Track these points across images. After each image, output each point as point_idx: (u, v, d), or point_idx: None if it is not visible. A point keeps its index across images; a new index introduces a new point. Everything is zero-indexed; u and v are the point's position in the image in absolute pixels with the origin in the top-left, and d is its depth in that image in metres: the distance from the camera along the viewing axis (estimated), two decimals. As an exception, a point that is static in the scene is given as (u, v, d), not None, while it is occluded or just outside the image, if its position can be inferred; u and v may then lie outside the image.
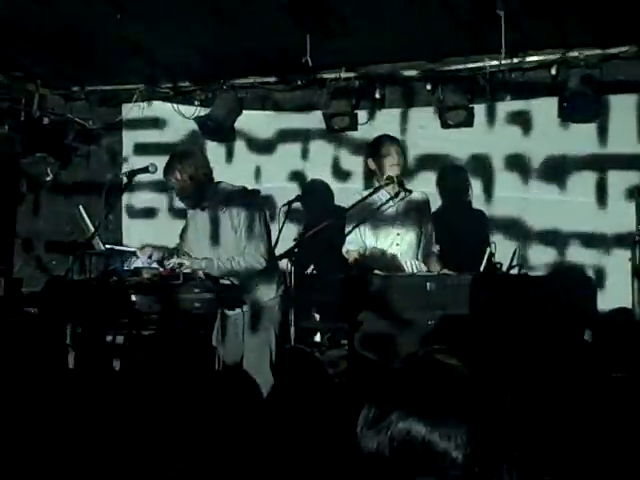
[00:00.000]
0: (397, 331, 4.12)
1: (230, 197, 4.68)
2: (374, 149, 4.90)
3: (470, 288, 4.17)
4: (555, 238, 5.89)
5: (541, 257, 5.89)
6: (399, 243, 4.81)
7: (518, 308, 4.07)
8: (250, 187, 5.03)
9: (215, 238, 4.69)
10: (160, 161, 4.76)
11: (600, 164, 5.83)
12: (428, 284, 4.27)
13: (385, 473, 1.35)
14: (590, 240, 5.81)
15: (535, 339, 4.04)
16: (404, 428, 1.35)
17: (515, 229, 5.98)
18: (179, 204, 5.14)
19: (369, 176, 4.95)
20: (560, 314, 4.72)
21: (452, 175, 6.19)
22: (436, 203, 5.66)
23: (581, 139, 5.86)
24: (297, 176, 6.58)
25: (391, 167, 4.75)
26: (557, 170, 5.94)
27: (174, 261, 4.52)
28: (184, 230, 4.96)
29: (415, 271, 4.65)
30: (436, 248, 4.91)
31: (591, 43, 5.58)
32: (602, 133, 5.81)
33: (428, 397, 1.38)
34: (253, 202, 4.77)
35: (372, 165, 4.87)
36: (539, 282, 4.41)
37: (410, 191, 4.94)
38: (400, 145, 4.94)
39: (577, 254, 5.85)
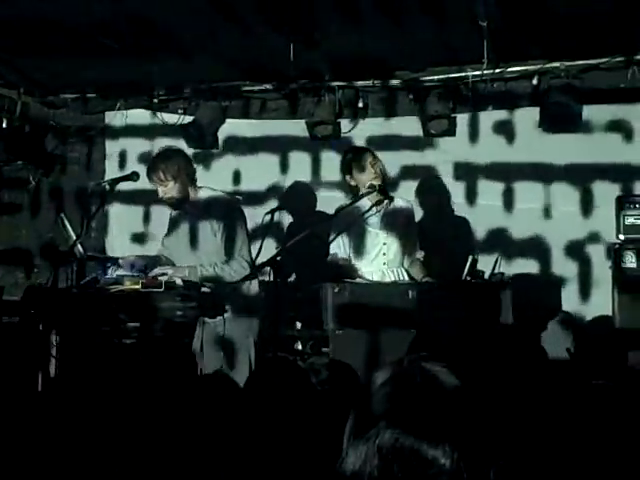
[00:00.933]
0: (380, 339, 4.13)
1: (211, 202, 4.68)
2: (349, 166, 4.89)
3: (452, 295, 4.18)
4: (538, 247, 5.92)
5: (524, 266, 5.91)
6: (386, 252, 4.82)
7: (499, 315, 4.09)
8: (231, 192, 5.04)
9: (195, 243, 4.69)
10: (142, 169, 4.77)
11: (582, 173, 5.88)
12: (410, 292, 4.29)
13: None
14: (572, 249, 5.86)
15: (518, 346, 4.06)
16: (392, 436, 1.35)
17: (497, 238, 6.01)
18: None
19: (351, 191, 4.94)
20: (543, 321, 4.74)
21: (433, 184, 6.21)
22: (419, 211, 5.67)
23: (563, 149, 5.90)
24: (278, 184, 6.57)
25: (366, 175, 4.75)
26: (540, 179, 5.98)
27: (157, 270, 4.52)
28: (166, 235, 4.96)
29: (401, 279, 4.69)
30: (420, 255, 4.93)
31: (572, 54, 5.63)
32: (583, 143, 5.86)
33: (415, 404, 1.38)
34: (234, 208, 4.77)
35: (351, 182, 4.87)
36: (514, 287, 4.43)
37: (393, 198, 4.95)
38: (373, 154, 4.92)
39: (559, 263, 5.89)
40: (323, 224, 4.91)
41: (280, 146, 6.58)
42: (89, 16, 4.97)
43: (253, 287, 4.71)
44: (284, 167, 6.58)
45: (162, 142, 6.67)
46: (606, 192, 5.70)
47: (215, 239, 4.62)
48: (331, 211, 4.89)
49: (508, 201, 6.05)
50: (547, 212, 5.95)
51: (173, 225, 4.88)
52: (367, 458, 1.36)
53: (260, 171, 6.62)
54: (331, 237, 4.82)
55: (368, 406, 1.41)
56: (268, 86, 6.39)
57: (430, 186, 6.20)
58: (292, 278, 5.96)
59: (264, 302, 4.71)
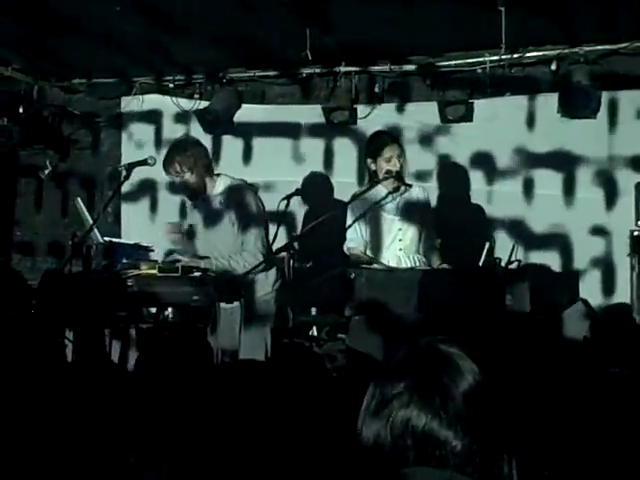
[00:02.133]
0: (397, 325, 4.12)
1: (228, 192, 4.67)
2: (371, 148, 4.86)
3: (467, 282, 4.17)
4: (557, 235, 5.87)
5: (542, 254, 5.88)
6: (402, 238, 4.80)
7: (516, 302, 4.08)
8: (249, 180, 5.02)
9: (213, 232, 4.69)
10: (158, 154, 4.76)
11: (604, 161, 5.82)
12: (426, 278, 4.28)
13: (385, 461, 1.35)
14: (593, 236, 5.81)
15: (534, 334, 4.04)
16: (405, 416, 1.35)
17: (516, 225, 5.97)
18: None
19: (369, 174, 4.92)
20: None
21: (451, 170, 6.18)
22: (436, 197, 5.64)
23: (583, 135, 5.85)
24: (296, 170, 6.56)
25: (389, 164, 4.72)
26: (558, 166, 5.93)
27: (171, 258, 4.52)
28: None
29: (417, 265, 4.68)
30: (437, 242, 4.92)
31: (591, 39, 5.57)
32: (605, 129, 5.80)
33: (429, 385, 1.38)
34: (251, 196, 4.76)
35: (371, 164, 4.83)
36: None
37: (410, 185, 4.92)
38: (398, 141, 4.90)
39: (579, 251, 5.85)
40: (339, 210, 4.89)
41: (295, 132, 6.56)
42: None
43: (270, 275, 4.70)
44: (298, 153, 6.56)
45: (178, 127, 6.73)
46: (629, 179, 5.64)
47: (233, 229, 4.61)
48: (347, 197, 4.87)
49: (527, 188, 6.01)
50: (567, 199, 5.90)
51: (190, 213, 4.88)
52: (380, 436, 1.36)
53: (275, 157, 6.61)
54: (348, 223, 4.80)
55: (383, 385, 1.41)
56: (284, 72, 6.37)
57: (448, 172, 6.17)
58: (308, 264, 5.96)
59: (279, 290, 4.71)
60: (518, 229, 5.93)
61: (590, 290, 5.68)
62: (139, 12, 5.15)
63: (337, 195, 6.15)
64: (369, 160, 4.84)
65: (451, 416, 1.34)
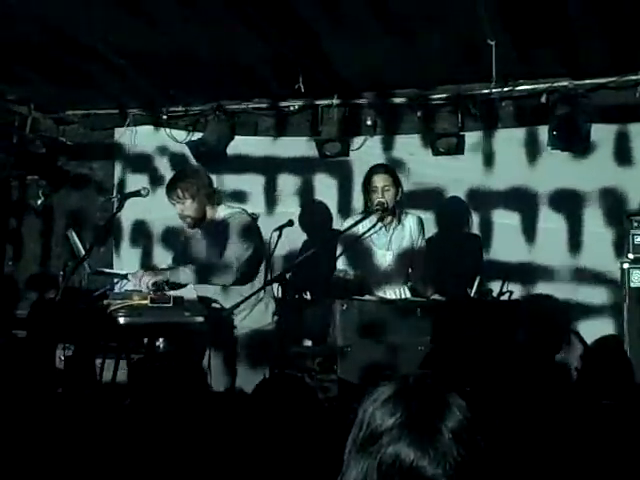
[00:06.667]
0: (388, 356, 4.12)
1: (227, 221, 4.68)
2: (364, 179, 4.91)
3: (460, 313, 4.18)
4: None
5: (539, 287, 5.89)
6: (391, 273, 4.81)
7: (505, 333, 4.08)
8: (249, 210, 5.03)
9: (210, 259, 4.69)
10: (151, 185, 4.78)
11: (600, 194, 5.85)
12: (418, 309, 4.28)
13: None
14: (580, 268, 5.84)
15: (524, 365, 4.04)
16: (394, 452, 1.35)
17: (509, 257, 5.97)
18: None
19: (364, 206, 4.93)
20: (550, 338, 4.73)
21: (449, 202, 6.20)
22: (430, 227, 5.64)
23: (573, 167, 5.90)
24: (288, 200, 6.58)
25: (378, 195, 4.74)
26: (555, 200, 5.97)
27: (135, 281, 4.48)
28: (179, 253, 4.96)
29: (408, 296, 4.68)
30: (428, 272, 4.91)
31: (580, 73, 5.64)
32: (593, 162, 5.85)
33: (419, 422, 1.37)
34: (249, 226, 4.76)
35: (365, 196, 4.87)
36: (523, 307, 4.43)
37: (403, 215, 4.92)
38: (390, 173, 4.90)
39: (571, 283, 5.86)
40: (331, 242, 4.90)
41: (290, 163, 6.59)
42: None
43: (270, 306, 4.69)
44: (296, 183, 6.58)
45: (171, 158, 6.75)
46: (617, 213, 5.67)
47: (229, 254, 4.61)
48: (341, 227, 4.89)
49: (524, 220, 6.03)
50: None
51: (187, 243, 4.89)
52: (367, 473, 1.35)
53: (270, 189, 6.62)
54: (338, 255, 4.81)
55: (371, 421, 1.40)
56: (277, 103, 6.41)
57: (447, 205, 6.19)
58: (301, 295, 5.95)
59: (276, 320, 4.70)
60: (510, 261, 5.94)
61: (582, 321, 5.69)
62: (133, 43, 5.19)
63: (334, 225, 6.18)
64: (363, 191, 4.88)
65: (439, 453, 1.33)
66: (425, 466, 1.33)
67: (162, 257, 6.23)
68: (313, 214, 6.38)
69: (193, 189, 4.63)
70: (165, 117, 6.73)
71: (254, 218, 4.86)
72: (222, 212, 4.74)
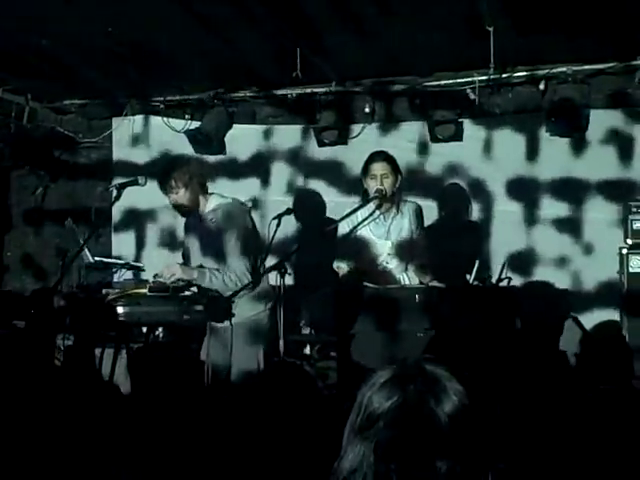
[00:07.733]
0: (388, 343, 4.12)
1: (220, 210, 4.67)
2: (362, 166, 4.88)
3: (458, 300, 4.18)
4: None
5: (536, 272, 5.91)
6: (389, 262, 4.80)
7: (504, 319, 4.09)
8: (243, 199, 5.02)
9: (205, 249, 4.68)
10: (148, 174, 4.76)
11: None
12: (417, 296, 4.28)
13: None
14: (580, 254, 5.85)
15: (523, 350, 4.04)
16: (389, 436, 1.35)
17: (509, 244, 5.98)
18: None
19: (363, 194, 4.92)
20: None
21: (448, 189, 6.20)
22: (429, 215, 5.63)
23: (571, 154, 5.90)
24: (287, 188, 6.58)
25: (376, 182, 4.71)
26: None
27: (165, 270, 4.48)
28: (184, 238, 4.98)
29: (407, 284, 4.66)
30: (426, 259, 4.89)
31: (578, 59, 5.63)
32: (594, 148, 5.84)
33: (416, 405, 1.37)
34: (242, 215, 4.75)
35: (364, 183, 4.84)
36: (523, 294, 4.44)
37: (402, 202, 4.90)
38: (389, 160, 4.87)
39: (569, 269, 5.87)
40: (330, 230, 4.89)
41: (288, 151, 6.59)
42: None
43: (263, 294, 4.69)
44: (293, 171, 6.58)
45: (169, 147, 6.74)
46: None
47: (223, 246, 4.60)
48: (338, 216, 4.87)
49: (524, 207, 6.04)
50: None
51: (187, 230, 4.89)
52: (364, 456, 1.36)
53: (268, 177, 6.62)
54: (336, 244, 4.81)
55: (368, 405, 1.41)
56: (274, 92, 6.40)
57: (448, 192, 6.19)
58: (300, 283, 5.95)
59: (271, 309, 4.69)
60: (510, 248, 5.94)
61: (580, 306, 5.70)
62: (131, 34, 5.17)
63: (330, 213, 6.17)
64: (362, 178, 4.85)
65: (436, 437, 1.34)
66: (422, 450, 1.33)
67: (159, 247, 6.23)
68: (307, 202, 6.37)
69: (186, 177, 4.61)
70: (163, 106, 6.72)
71: (247, 208, 4.85)
72: (214, 201, 4.72)
